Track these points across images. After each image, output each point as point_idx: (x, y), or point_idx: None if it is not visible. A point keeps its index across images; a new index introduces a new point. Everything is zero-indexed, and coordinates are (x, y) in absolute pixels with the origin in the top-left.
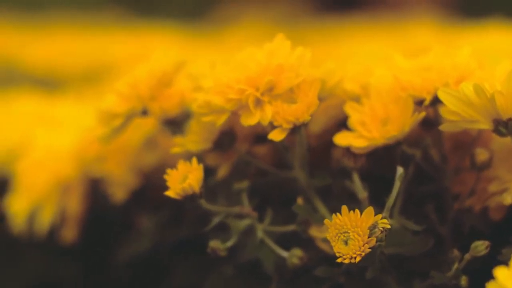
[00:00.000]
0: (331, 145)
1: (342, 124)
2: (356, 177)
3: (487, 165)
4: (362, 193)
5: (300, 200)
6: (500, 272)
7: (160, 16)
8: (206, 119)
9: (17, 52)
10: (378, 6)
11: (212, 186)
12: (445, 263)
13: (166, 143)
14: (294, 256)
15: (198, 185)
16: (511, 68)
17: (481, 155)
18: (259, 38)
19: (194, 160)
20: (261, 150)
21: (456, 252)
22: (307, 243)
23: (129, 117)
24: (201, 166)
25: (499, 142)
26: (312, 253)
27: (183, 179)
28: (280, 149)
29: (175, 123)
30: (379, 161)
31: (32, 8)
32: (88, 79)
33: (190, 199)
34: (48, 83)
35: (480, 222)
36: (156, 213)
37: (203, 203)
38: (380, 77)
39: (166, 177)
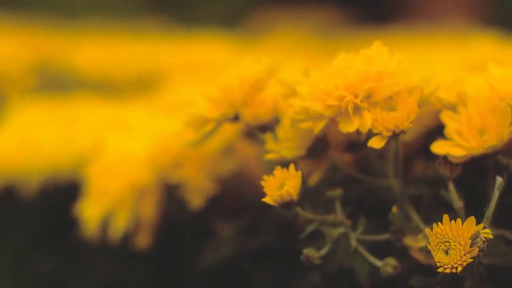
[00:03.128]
0: (417, 154)
1: (432, 133)
2: (451, 186)
3: None
4: (458, 202)
5: (395, 209)
6: None
7: (198, 24)
8: (304, 125)
9: (68, 57)
10: (411, 17)
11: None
12: None
13: (244, 150)
14: (388, 265)
15: (296, 192)
16: None
17: None
18: (294, 47)
19: (292, 166)
20: (347, 158)
21: None
22: (400, 253)
23: (220, 122)
24: (299, 173)
25: None
26: (405, 263)
27: (281, 186)
28: (372, 157)
29: (266, 130)
30: (470, 171)
31: (77, 14)
32: (140, 85)
33: (287, 206)
34: (101, 87)
35: None
36: (234, 220)
37: (299, 210)
38: (476, 86)
39: (262, 183)
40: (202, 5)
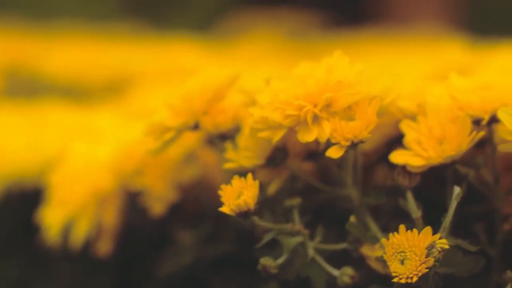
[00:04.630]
0: (377, 163)
1: (392, 142)
2: (410, 196)
3: None
4: (416, 212)
5: (353, 218)
6: None
7: (174, 27)
8: (263, 134)
9: (39, 62)
10: (386, 20)
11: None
12: (494, 284)
13: (206, 158)
14: (345, 274)
15: (253, 202)
16: None
17: None
18: (268, 50)
19: (250, 176)
20: (307, 167)
21: (509, 274)
22: (358, 262)
23: (180, 131)
24: (257, 182)
25: None
26: (363, 272)
27: (238, 196)
28: (331, 166)
29: (226, 138)
30: (429, 181)
31: (49, 17)
32: (111, 90)
33: (244, 215)
34: (72, 93)
35: None
36: (195, 228)
37: (256, 220)
38: (437, 96)
39: (220, 192)
40: (177, 8)
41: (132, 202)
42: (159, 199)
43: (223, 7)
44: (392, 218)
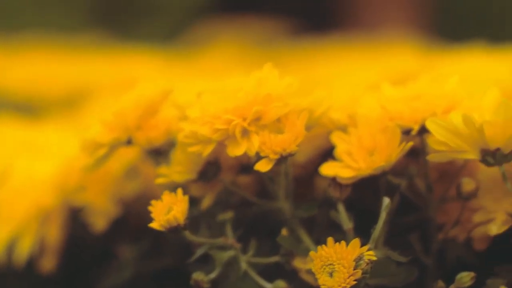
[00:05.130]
0: (315, 175)
1: (327, 154)
2: (341, 208)
3: (473, 195)
4: (347, 224)
5: (284, 231)
6: None
7: (138, 38)
8: (192, 149)
9: None
10: (354, 27)
11: (195, 216)
12: None
13: (148, 172)
14: (277, 287)
15: (183, 217)
16: (500, 97)
17: (468, 185)
18: (235, 59)
19: (179, 191)
20: (246, 180)
21: (441, 283)
22: (291, 275)
23: (113, 147)
24: (186, 197)
25: (485, 172)
26: (296, 285)
27: (168, 211)
28: (264, 179)
29: (160, 153)
30: (364, 191)
31: (8, 30)
32: (68, 104)
33: (174, 230)
34: (28, 108)
35: (465, 253)
36: (137, 243)
37: (187, 234)
38: (368, 107)
39: (150, 208)
40: (145, 18)
41: (75, 218)
42: (101, 214)
43: (191, 17)
44: (327, 230)
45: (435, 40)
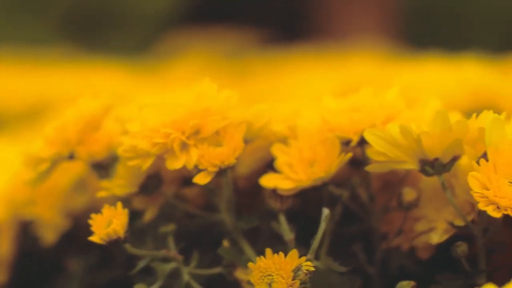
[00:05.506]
0: (259, 186)
1: (270, 165)
2: (282, 219)
3: (415, 204)
4: (288, 235)
5: (225, 243)
6: None
7: (109, 50)
8: (132, 163)
9: None
10: (324, 36)
11: (141, 229)
12: None
13: (96, 185)
14: None
15: (123, 230)
16: (438, 108)
17: (408, 194)
18: (205, 69)
19: (119, 204)
20: (192, 192)
21: None
22: (234, 286)
23: (55, 162)
24: (126, 211)
25: (427, 182)
26: None
27: (108, 224)
28: (207, 192)
29: (103, 167)
30: (309, 202)
31: None
32: (31, 117)
33: (114, 244)
34: None
35: (408, 261)
36: (85, 255)
37: (128, 247)
38: (308, 118)
39: (90, 222)
40: (115, 31)
41: (25, 231)
42: (50, 227)
43: (161, 28)
44: (271, 242)
45: (404, 48)
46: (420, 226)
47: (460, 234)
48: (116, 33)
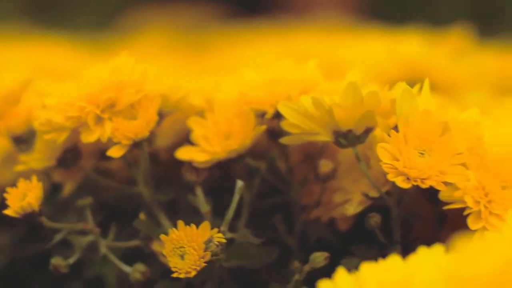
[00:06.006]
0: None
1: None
2: (199, 191)
3: (331, 176)
4: (204, 207)
5: (142, 216)
6: (323, 285)
7: (70, 27)
8: (48, 136)
9: None
10: (285, 11)
11: (64, 202)
12: (290, 275)
13: None
14: (136, 271)
15: (37, 203)
16: (350, 80)
17: (325, 166)
18: (165, 45)
19: (34, 178)
20: (115, 165)
21: (296, 264)
22: (152, 258)
23: None
24: (41, 184)
25: (344, 154)
26: (156, 268)
27: (23, 197)
28: (125, 165)
29: (23, 141)
30: (231, 175)
31: None
32: None
33: (29, 217)
34: None
35: (327, 233)
36: (13, 229)
37: (44, 220)
38: (226, 91)
39: (5, 195)
40: (77, 7)
41: None
42: None
43: (123, 5)
44: (190, 214)
45: (365, 22)
46: (337, 198)
47: (378, 206)
48: (78, 10)
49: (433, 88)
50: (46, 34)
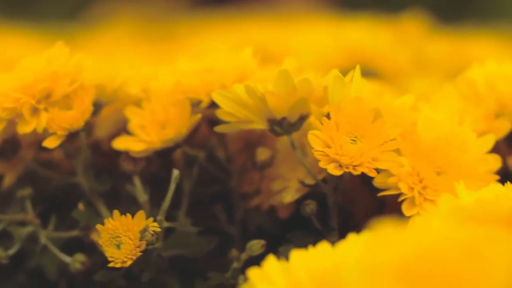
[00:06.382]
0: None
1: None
2: (137, 181)
3: (268, 164)
4: (142, 196)
5: (81, 206)
6: (253, 273)
7: (39, 17)
8: None
9: None
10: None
11: (3, 193)
12: (229, 263)
13: None
14: (76, 261)
15: None
16: (282, 68)
17: (262, 154)
18: (133, 35)
19: None
20: (57, 156)
21: (234, 252)
22: (92, 248)
23: None
24: None
25: (283, 141)
26: (96, 258)
27: None
28: (65, 155)
29: None
30: (172, 164)
31: None
32: None
33: None
34: None
35: (267, 221)
36: None
37: None
38: (162, 80)
39: None
40: None
41: None
42: None
43: None
44: (130, 205)
45: (332, 10)
46: (276, 186)
47: (317, 193)
48: (46, 1)
49: (379, 75)
50: (12, 26)
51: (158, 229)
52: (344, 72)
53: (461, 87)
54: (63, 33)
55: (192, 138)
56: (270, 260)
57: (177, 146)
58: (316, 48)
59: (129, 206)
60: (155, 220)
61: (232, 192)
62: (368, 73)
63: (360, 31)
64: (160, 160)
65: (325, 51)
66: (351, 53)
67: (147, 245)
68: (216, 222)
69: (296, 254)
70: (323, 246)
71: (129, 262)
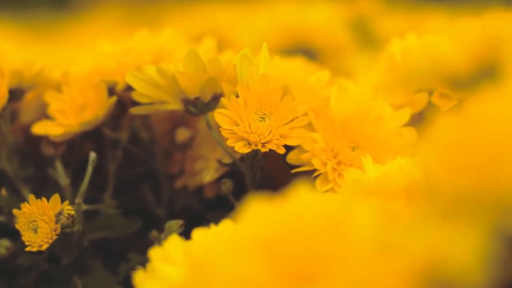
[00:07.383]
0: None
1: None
2: (58, 165)
3: (188, 144)
4: (64, 180)
5: (3, 191)
6: (154, 252)
7: (25, 9)
8: None
9: None
10: None
11: None
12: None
13: None
14: (1, 246)
15: None
16: (190, 48)
17: (181, 135)
18: (122, 20)
19: None
20: None
21: (154, 233)
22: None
23: None
24: None
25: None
26: (22, 243)
27: None
28: None
29: None
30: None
31: None
32: None
33: None
34: None
35: (193, 201)
36: None
37: None
38: (81, 64)
39: None
40: None
41: None
42: None
43: None
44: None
45: None
46: (198, 166)
47: (237, 172)
48: None
49: (318, 52)
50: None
51: (73, 212)
52: (283, 51)
53: (382, 61)
54: (51, 23)
55: (118, 120)
56: (172, 240)
57: (97, 128)
58: (255, 29)
59: (56, 191)
60: (73, 203)
61: (158, 173)
62: (305, 50)
63: (297, 9)
64: (90, 144)
65: (263, 32)
66: (286, 33)
67: (63, 228)
68: (144, 203)
69: (198, 233)
70: (225, 223)
71: (45, 246)
